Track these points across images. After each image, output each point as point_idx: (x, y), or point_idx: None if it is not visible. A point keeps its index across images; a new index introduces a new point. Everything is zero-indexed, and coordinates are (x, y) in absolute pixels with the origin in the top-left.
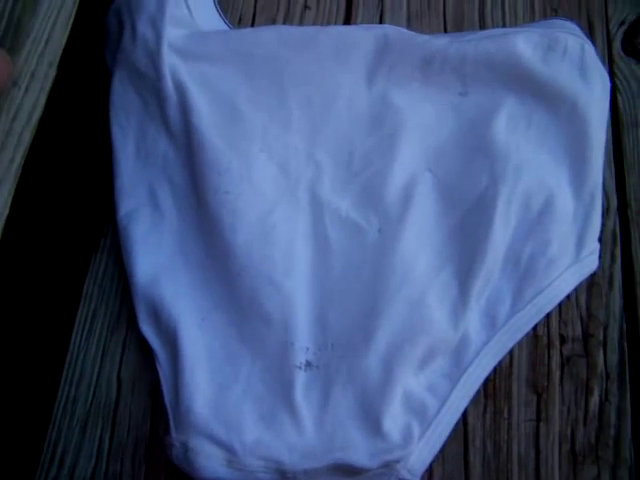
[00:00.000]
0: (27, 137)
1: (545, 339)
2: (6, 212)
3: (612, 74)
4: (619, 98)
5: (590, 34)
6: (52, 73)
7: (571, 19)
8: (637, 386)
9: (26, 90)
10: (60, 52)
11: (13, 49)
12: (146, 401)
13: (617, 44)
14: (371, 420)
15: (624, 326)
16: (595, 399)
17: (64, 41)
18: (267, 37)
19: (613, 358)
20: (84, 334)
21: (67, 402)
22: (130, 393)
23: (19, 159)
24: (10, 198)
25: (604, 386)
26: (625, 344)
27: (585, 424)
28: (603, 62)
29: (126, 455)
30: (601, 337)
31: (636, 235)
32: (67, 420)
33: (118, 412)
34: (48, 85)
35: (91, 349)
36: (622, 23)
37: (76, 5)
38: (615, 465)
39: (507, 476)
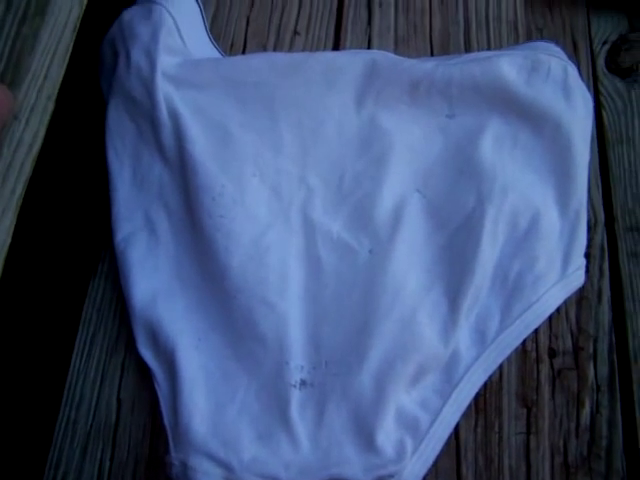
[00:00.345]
0: (28, 168)
1: (534, 354)
2: (8, 241)
3: (597, 92)
4: (604, 115)
5: (574, 53)
6: (51, 106)
7: (556, 39)
8: (627, 397)
9: (26, 123)
10: (58, 86)
11: (14, 84)
12: (145, 421)
13: (601, 62)
14: (365, 436)
15: (613, 339)
16: (586, 411)
17: (62, 75)
18: (257, 64)
19: (603, 370)
20: (84, 357)
21: (68, 424)
22: (129, 414)
23: (20, 190)
24: (12, 227)
25: (595, 398)
26: (615, 356)
27: (577, 436)
28: (588, 80)
29: (127, 475)
30: (591, 350)
31: (623, 249)
32: (68, 442)
33: (118, 433)
34: (47, 118)
35: (90, 372)
36: (605, 42)
37: (73, 39)
38: (607, 476)
39: None
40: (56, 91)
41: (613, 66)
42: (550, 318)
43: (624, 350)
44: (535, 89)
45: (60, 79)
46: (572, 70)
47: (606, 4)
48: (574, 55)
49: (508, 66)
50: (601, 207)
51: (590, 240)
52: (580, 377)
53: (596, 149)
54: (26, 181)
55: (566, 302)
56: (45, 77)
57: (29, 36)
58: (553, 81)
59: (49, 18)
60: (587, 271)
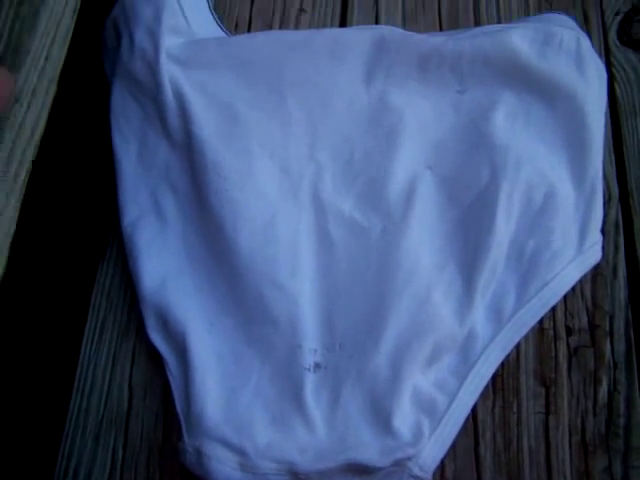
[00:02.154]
0: (30, 153)
1: (551, 332)
2: (13, 227)
3: (609, 64)
4: (617, 87)
5: (585, 25)
6: (53, 89)
7: (566, 12)
8: None
9: (28, 107)
10: (60, 68)
11: (14, 67)
12: (158, 408)
13: (613, 34)
14: (381, 419)
15: (630, 315)
16: (604, 389)
17: (63, 57)
18: (263, 42)
19: (620, 347)
20: (94, 344)
21: (79, 413)
22: (141, 401)
23: (23, 174)
24: (17, 213)
25: (612, 376)
26: (632, 333)
27: (595, 414)
28: (599, 53)
29: (140, 463)
30: (607, 327)
31: (639, 224)
32: (80, 431)
33: (130, 421)
34: (49, 101)
35: (101, 359)
36: (617, 13)
37: (74, 20)
38: (626, 454)
39: (518, 469)
40: (58, 73)
41: (625, 38)
42: (565, 296)
43: None
44: (547, 61)
45: (62, 61)
46: (585, 41)
47: None
48: (585, 27)
49: (519, 39)
50: (615, 181)
51: (605, 215)
52: (597, 355)
53: (609, 122)
54: (29, 166)
55: (581, 279)
56: (46, 59)
57: (28, 17)
58: (566, 53)
59: None
60: (602, 247)
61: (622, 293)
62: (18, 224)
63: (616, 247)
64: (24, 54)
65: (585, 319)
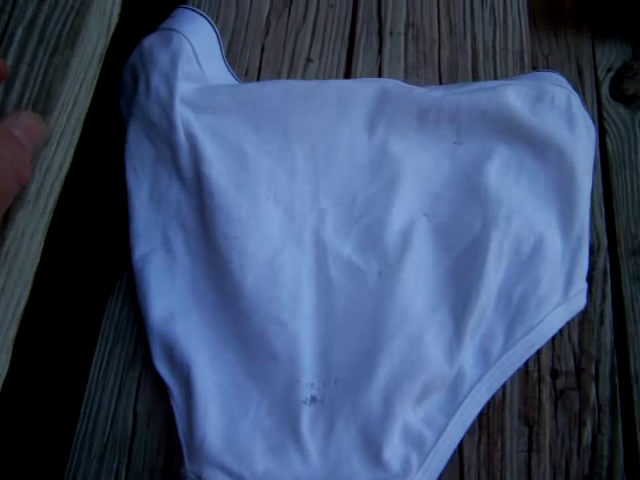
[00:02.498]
0: (57, 189)
1: (536, 374)
2: (37, 260)
3: (601, 118)
4: (608, 141)
5: (579, 80)
6: (78, 130)
7: (561, 66)
8: (628, 418)
9: (57, 147)
10: (85, 111)
11: (45, 112)
12: (161, 434)
13: (605, 89)
14: (372, 452)
15: (615, 360)
16: (588, 430)
17: (89, 101)
18: (272, 90)
19: (605, 391)
20: (101, 371)
21: (85, 436)
22: (145, 427)
23: (49, 211)
24: (41, 247)
25: (596, 418)
26: (616, 378)
27: (579, 455)
28: (592, 106)
29: None
30: (593, 371)
31: (626, 273)
32: (85, 453)
33: (134, 445)
34: (75, 141)
35: (108, 385)
36: (609, 70)
37: (99, 67)
38: None
39: None
40: (83, 116)
41: (617, 93)
42: (553, 339)
43: (626, 372)
44: (540, 117)
45: (87, 105)
46: (575, 99)
47: (611, 32)
48: (579, 82)
49: (514, 95)
50: (604, 231)
51: (593, 263)
52: (582, 397)
53: (600, 174)
54: (55, 202)
55: (569, 324)
56: (74, 104)
57: (60, 66)
58: (557, 109)
59: (78, 49)
60: (590, 294)
61: (608, 339)
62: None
63: (603, 294)
64: (55, 100)
65: (572, 362)
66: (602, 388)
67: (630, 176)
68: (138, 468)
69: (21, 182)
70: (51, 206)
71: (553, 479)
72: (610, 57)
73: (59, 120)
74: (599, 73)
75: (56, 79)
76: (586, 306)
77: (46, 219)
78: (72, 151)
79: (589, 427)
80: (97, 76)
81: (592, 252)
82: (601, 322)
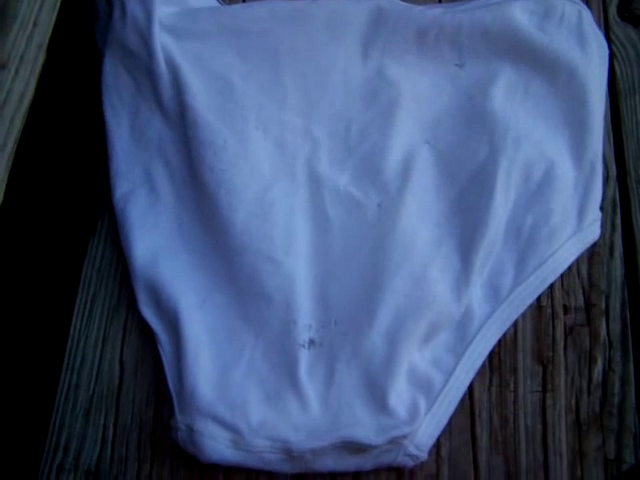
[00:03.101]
0: (18, 123)
1: (549, 310)
2: (0, 198)
3: (609, 40)
4: (616, 65)
5: (586, 0)
6: (42, 56)
7: None
8: None
9: (16, 73)
10: (49, 35)
11: (1, 32)
12: (149, 385)
13: (613, 10)
14: (377, 397)
15: (626, 294)
16: (599, 368)
17: (52, 23)
18: (259, 12)
19: (616, 327)
20: (84, 319)
21: (69, 388)
22: (133, 377)
23: (11, 145)
24: (3, 185)
25: (607, 355)
26: (627, 312)
27: (589, 393)
28: (599, 28)
29: (131, 439)
30: (603, 306)
31: (636, 203)
32: (70, 407)
33: (121, 397)
34: (38, 68)
35: (92, 334)
36: None
37: None
38: (620, 433)
39: (514, 448)
40: (47, 40)
41: (626, 14)
42: (562, 275)
43: (637, 306)
44: (548, 35)
45: (51, 27)
46: (587, 14)
47: None
48: (585, 2)
49: (520, 11)
50: (613, 160)
51: (602, 194)
52: (592, 334)
53: (607, 100)
54: (17, 136)
55: (577, 258)
56: (35, 24)
57: None
58: (567, 26)
59: None
60: (600, 225)
61: (618, 272)
62: (6, 197)
63: (613, 226)
64: (11, 18)
65: (581, 298)
66: (613, 324)
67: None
68: (126, 421)
69: None
70: (12, 141)
71: (565, 419)
72: None
73: (17, 42)
74: None
75: None
76: (597, 238)
77: (7, 155)
78: (34, 80)
79: (600, 364)
80: None
81: (602, 182)
82: (611, 255)
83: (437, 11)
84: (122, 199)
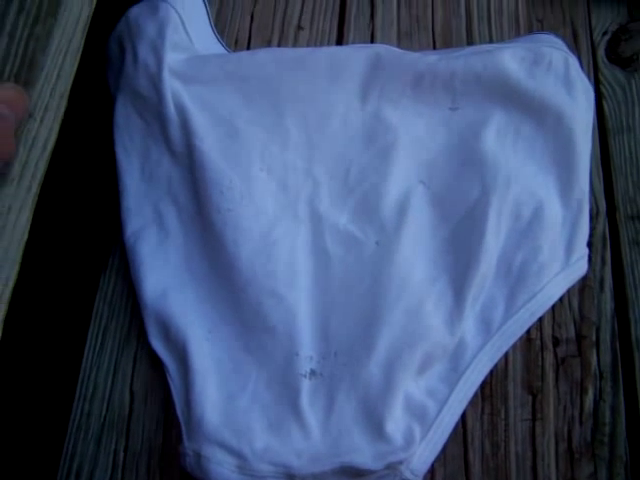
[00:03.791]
0: (43, 166)
1: (538, 342)
2: (25, 238)
3: (597, 82)
4: (605, 104)
5: (575, 44)
6: (63, 104)
7: (556, 30)
8: (630, 384)
9: (41, 121)
10: (70, 83)
11: (28, 84)
12: (158, 413)
13: (601, 52)
14: (374, 424)
15: (615, 326)
16: (590, 398)
17: (74, 73)
18: (263, 59)
19: (606, 358)
20: (96, 350)
21: (82, 417)
22: (143, 405)
23: (36, 188)
24: (29, 225)
25: (598, 385)
26: (617, 344)
27: (581, 422)
28: (588, 70)
29: (141, 465)
30: (594, 338)
31: (625, 238)
32: (82, 434)
33: (131, 424)
34: (60, 115)
35: (103, 364)
36: (605, 32)
37: (84, 37)
38: (611, 462)
39: (506, 474)
40: (69, 89)
41: (613, 56)
42: (553, 307)
43: (626, 337)
44: (537, 81)
45: (72, 77)
46: (573, 61)
47: None
48: (574, 45)
49: (510, 58)
50: (602, 196)
51: (592, 229)
52: (583, 365)
53: (597, 138)
54: (41, 179)
55: (569, 291)
56: (58, 76)
57: (42, 36)
58: (555, 73)
59: (61, 18)
60: (589, 260)
61: (608, 305)
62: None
63: (603, 260)
64: (38, 71)
65: (572, 330)
66: (603, 355)
67: (628, 140)
68: (136, 448)
69: (3, 158)
70: (37, 184)
71: (556, 447)
72: (606, 19)
73: (42, 92)
74: (595, 36)
75: (38, 49)
76: (586, 272)
77: (32, 197)
78: (57, 126)
79: (591, 394)
80: (82, 47)
81: (591, 218)
82: (601, 288)
83: (432, 58)
84: (133, 236)
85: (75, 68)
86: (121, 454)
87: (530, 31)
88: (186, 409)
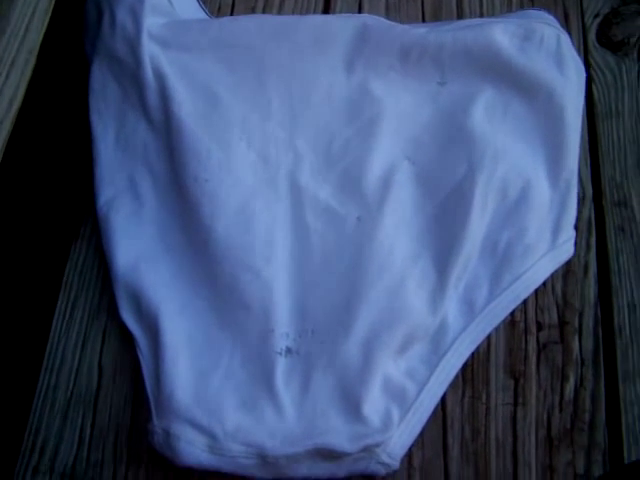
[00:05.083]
0: (7, 125)
1: (522, 325)
2: None
3: (587, 65)
4: (594, 88)
5: (566, 26)
6: (32, 61)
7: (547, 10)
8: (611, 372)
9: (6, 77)
10: (40, 40)
11: None
12: (127, 388)
13: (592, 35)
14: (351, 405)
15: (599, 313)
16: (570, 385)
17: (44, 29)
18: (246, 26)
19: (588, 345)
20: (64, 322)
21: (48, 390)
22: (111, 381)
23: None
24: None
25: (579, 372)
26: (600, 331)
27: (561, 409)
28: (579, 53)
29: (108, 442)
30: (576, 324)
31: (611, 224)
32: (48, 408)
33: (99, 400)
34: (28, 73)
35: (72, 337)
36: (596, 15)
37: None
38: (589, 449)
39: (485, 459)
40: (37, 46)
41: (604, 40)
42: (536, 291)
43: (609, 324)
44: (528, 57)
45: (42, 33)
46: (565, 39)
47: None
48: (565, 28)
49: (501, 33)
50: (589, 181)
51: (578, 214)
52: (565, 351)
53: (585, 123)
54: (5, 139)
55: (552, 275)
56: (26, 30)
57: None
58: (546, 50)
59: None
60: (574, 245)
61: (592, 291)
62: None
63: (588, 246)
64: (4, 23)
65: (555, 315)
66: (585, 341)
67: (616, 125)
68: (104, 424)
69: None
70: (0, 143)
71: (536, 433)
72: (597, 2)
73: (9, 47)
74: (586, 19)
75: (4, 1)
76: (570, 257)
77: None
78: (24, 84)
79: (572, 381)
80: (53, 2)
81: (578, 201)
82: (585, 274)
83: (421, 30)
84: (106, 205)
85: (45, 24)
86: (88, 430)
87: (521, 9)
88: (156, 385)
